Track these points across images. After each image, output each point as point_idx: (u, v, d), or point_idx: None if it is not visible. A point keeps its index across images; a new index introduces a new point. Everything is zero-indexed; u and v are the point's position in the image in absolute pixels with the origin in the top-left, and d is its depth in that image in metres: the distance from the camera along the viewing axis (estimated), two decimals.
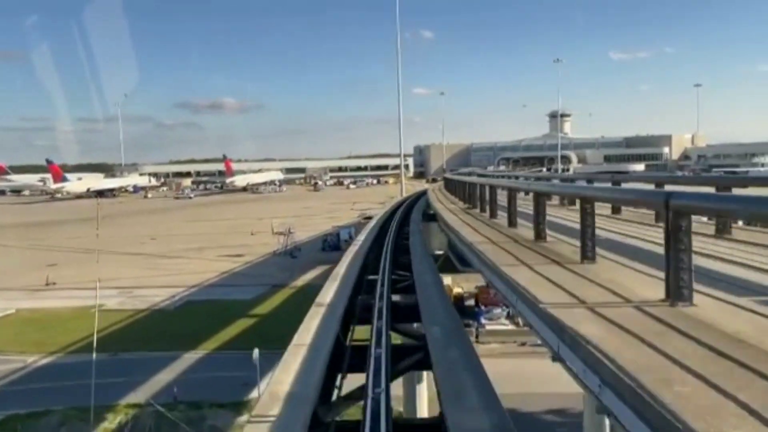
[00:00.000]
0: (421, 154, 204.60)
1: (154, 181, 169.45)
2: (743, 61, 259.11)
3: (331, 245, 63.09)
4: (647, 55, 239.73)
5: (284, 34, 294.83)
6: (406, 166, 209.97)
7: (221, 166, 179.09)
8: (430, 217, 32.08)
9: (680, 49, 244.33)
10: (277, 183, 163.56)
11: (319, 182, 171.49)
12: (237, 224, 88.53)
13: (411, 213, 37.28)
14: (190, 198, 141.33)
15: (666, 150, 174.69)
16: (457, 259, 23.80)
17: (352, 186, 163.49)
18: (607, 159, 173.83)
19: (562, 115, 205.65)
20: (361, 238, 26.71)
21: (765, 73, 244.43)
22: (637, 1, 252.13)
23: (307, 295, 42.91)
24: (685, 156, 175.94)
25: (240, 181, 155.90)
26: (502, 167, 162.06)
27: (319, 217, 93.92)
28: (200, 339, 33.05)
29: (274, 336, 31.41)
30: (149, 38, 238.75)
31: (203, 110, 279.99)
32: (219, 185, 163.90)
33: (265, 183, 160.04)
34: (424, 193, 55.38)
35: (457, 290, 40.07)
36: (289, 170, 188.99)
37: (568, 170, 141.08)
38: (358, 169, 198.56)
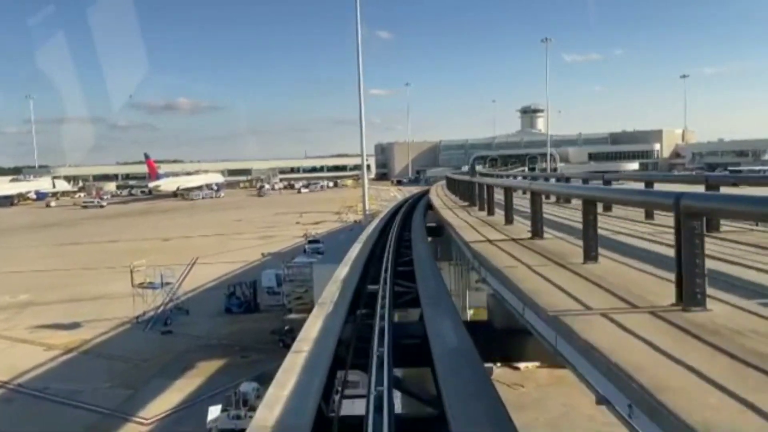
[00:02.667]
0: (383, 154, 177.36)
1: (66, 186, 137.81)
2: (686, 65, 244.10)
3: (241, 303, 34.97)
4: (599, 57, 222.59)
5: (239, 34, 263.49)
6: (367, 166, 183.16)
7: (168, 167, 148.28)
8: None
9: (629, 51, 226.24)
10: (215, 187, 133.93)
11: (266, 186, 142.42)
12: (130, 249, 59.48)
13: None
14: (102, 207, 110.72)
15: (657, 147, 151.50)
16: None
17: (304, 190, 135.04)
18: (593, 157, 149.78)
19: (534, 111, 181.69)
20: None
21: (710, 75, 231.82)
22: (591, 4, 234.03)
23: None
24: (676, 153, 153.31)
25: (167, 185, 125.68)
26: (479, 167, 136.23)
27: (249, 236, 65.69)
28: None
29: None
30: (102, 38, 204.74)
31: (158, 111, 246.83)
32: (147, 190, 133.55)
33: (200, 187, 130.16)
34: (414, 207, 28.37)
35: None
36: (232, 172, 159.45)
37: (556, 170, 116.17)
38: (314, 170, 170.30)
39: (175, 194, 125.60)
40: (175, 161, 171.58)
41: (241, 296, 34.92)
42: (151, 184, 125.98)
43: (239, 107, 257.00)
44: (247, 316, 33.58)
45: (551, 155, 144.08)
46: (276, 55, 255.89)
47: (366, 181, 53.96)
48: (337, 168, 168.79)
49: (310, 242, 52.11)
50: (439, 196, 27.88)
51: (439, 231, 26.39)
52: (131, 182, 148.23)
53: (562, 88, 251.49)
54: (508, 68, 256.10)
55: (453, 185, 35.10)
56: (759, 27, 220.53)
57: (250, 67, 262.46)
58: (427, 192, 44.34)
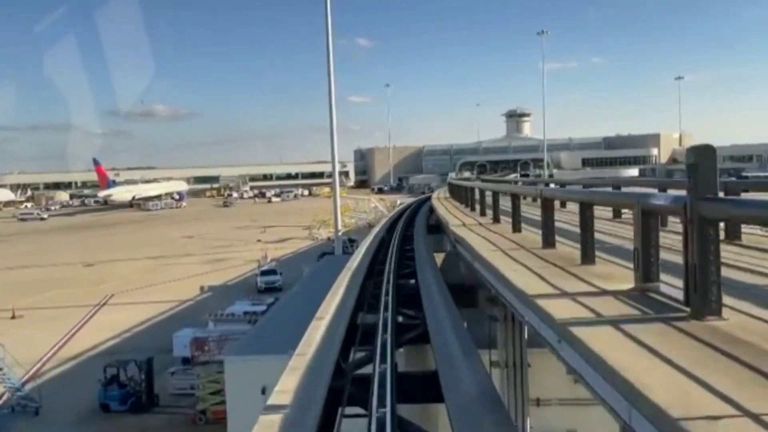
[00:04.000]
0: (362, 159, 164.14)
1: (9, 195, 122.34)
2: (668, 73, 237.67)
3: (126, 394, 21.05)
4: (576, 65, 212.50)
5: (217, 41, 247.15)
6: (345, 174, 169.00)
7: (130, 174, 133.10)
8: None
9: (608, 59, 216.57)
10: (176, 196, 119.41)
11: (234, 194, 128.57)
12: (35, 280, 45.69)
13: None
14: (42, 219, 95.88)
15: (654, 151, 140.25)
16: None
17: (275, 199, 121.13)
18: (586, 163, 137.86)
19: (520, 115, 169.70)
20: None
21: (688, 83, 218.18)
22: (570, 13, 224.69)
23: None
24: (673, 159, 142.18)
25: (121, 194, 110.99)
26: (466, 174, 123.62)
27: (194, 260, 51.81)
28: None
29: None
30: (77, 44, 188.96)
31: (134, 118, 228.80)
32: (102, 200, 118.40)
33: (159, 196, 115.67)
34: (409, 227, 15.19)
35: None
36: (199, 179, 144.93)
37: (551, 176, 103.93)
38: (288, 177, 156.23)
39: (131, 204, 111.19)
40: (149, 168, 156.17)
41: (127, 382, 21.14)
42: (101, 194, 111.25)
43: (217, 114, 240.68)
44: (134, 420, 19.90)
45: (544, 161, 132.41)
46: (255, 62, 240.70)
47: (338, 193, 40.49)
48: (313, 175, 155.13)
49: (263, 273, 38.76)
50: (472, 230, 14.45)
51: (469, 295, 13.50)
52: (86, 191, 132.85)
53: (540, 94, 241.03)
54: (489, 74, 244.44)
55: (462, 194, 22.06)
56: (732, 36, 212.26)
57: (229, 75, 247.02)
58: (422, 205, 31.27)
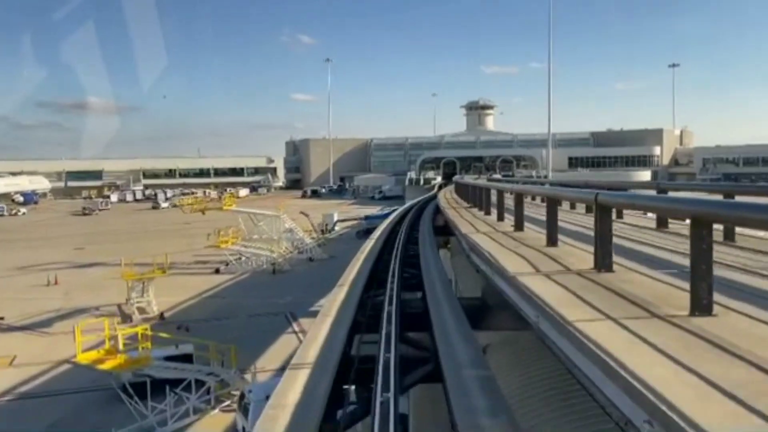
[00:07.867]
0: (296, 154, 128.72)
1: None
2: (602, 80, 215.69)
3: None
4: (516, 70, 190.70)
5: (157, 35, 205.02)
6: (273, 171, 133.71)
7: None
8: None
9: (545, 65, 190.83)
10: (20, 198, 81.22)
11: (113, 196, 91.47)
12: None
13: None
14: None
15: (657, 151, 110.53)
16: None
17: (165, 204, 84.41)
18: (574, 163, 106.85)
19: (483, 107, 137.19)
20: None
21: (621, 91, 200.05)
22: (508, 16, 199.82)
23: None
24: (675, 160, 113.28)
25: None
26: (430, 173, 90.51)
27: None
28: None
29: None
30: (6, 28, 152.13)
31: (67, 110, 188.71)
32: None
33: None
34: None
35: None
36: (74, 174, 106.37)
37: (546, 177, 72.31)
38: (201, 173, 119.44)
39: None
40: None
41: None
42: None
43: (159, 111, 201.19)
44: None
45: (531, 158, 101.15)
46: (195, 59, 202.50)
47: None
48: (233, 171, 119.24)
49: None
50: None
51: None
52: None
53: (492, 94, 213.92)
54: (440, 68, 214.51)
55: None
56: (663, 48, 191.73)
57: (170, 72, 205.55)
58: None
